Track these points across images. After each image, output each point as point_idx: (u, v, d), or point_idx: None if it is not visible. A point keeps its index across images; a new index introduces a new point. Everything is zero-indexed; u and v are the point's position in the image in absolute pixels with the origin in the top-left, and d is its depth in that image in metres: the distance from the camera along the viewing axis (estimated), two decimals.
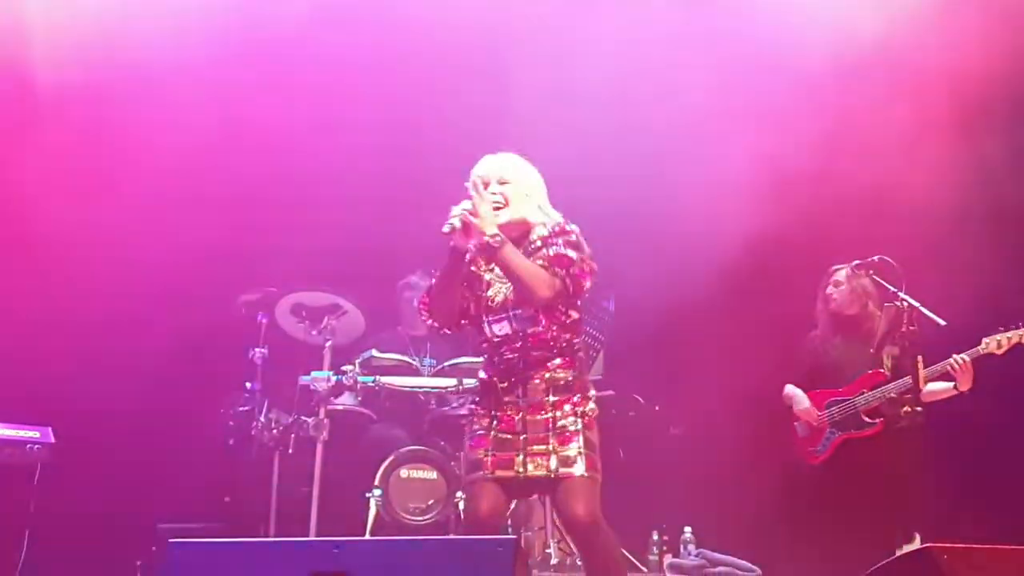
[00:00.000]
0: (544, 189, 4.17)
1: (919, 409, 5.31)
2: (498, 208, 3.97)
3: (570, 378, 4.02)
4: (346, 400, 6.18)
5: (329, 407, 5.89)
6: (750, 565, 6.01)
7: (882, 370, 5.75)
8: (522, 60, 6.45)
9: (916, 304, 5.35)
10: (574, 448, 3.92)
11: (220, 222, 6.51)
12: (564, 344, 4.04)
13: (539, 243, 4.03)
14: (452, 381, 5.93)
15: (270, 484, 5.98)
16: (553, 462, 3.91)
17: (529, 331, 4.01)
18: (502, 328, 4.04)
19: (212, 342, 6.53)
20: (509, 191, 4.03)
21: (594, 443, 3.98)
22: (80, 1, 6.20)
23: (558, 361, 4.02)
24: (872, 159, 6.50)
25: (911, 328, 5.31)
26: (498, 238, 3.86)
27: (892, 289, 5.48)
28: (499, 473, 3.95)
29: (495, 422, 4.01)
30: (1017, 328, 5.48)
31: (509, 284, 4.01)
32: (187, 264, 6.60)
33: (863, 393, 5.75)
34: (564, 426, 3.95)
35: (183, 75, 6.39)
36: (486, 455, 3.97)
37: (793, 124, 6.52)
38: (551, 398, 3.98)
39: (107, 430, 6.27)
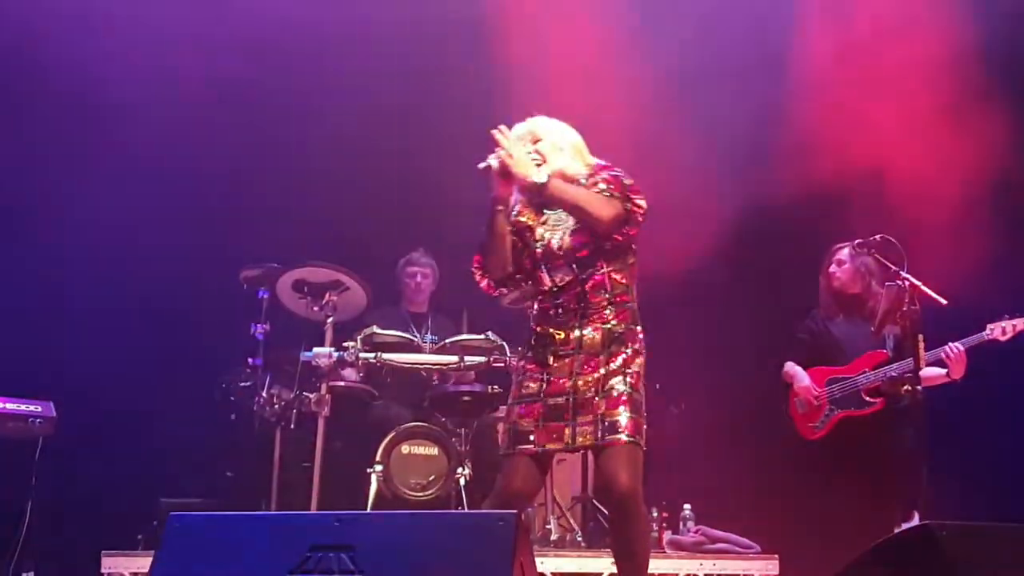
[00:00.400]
0: (579, 140, 4.11)
1: (919, 388, 5.32)
2: (536, 166, 3.93)
3: (622, 329, 3.94)
4: (348, 376, 6.18)
5: (331, 383, 5.90)
6: (749, 542, 6.03)
7: (884, 350, 5.77)
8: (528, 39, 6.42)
9: (917, 283, 5.34)
10: (622, 413, 3.82)
11: (222, 197, 6.51)
12: (621, 291, 3.97)
13: (585, 180, 3.98)
14: (454, 358, 5.93)
15: (272, 460, 5.98)
16: (600, 429, 3.82)
17: (588, 275, 3.94)
18: (562, 275, 3.97)
19: (214, 318, 6.53)
20: (543, 147, 4.00)
21: (639, 403, 3.89)
22: None
23: (613, 311, 3.95)
24: (872, 138, 6.49)
25: (912, 307, 5.31)
26: (542, 176, 3.86)
27: (894, 268, 5.48)
28: (549, 447, 3.87)
29: (545, 384, 3.92)
30: (1023, 315, 5.49)
31: (563, 231, 3.97)
32: (189, 239, 6.62)
33: (864, 372, 5.76)
34: (612, 386, 3.85)
35: (183, 47, 6.37)
36: (535, 427, 3.88)
37: (792, 103, 6.53)
38: (606, 351, 3.90)
39: (109, 404, 6.29)
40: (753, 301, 6.91)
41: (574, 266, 3.96)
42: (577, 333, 3.93)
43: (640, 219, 3.95)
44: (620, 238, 3.96)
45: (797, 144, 6.65)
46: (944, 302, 5.32)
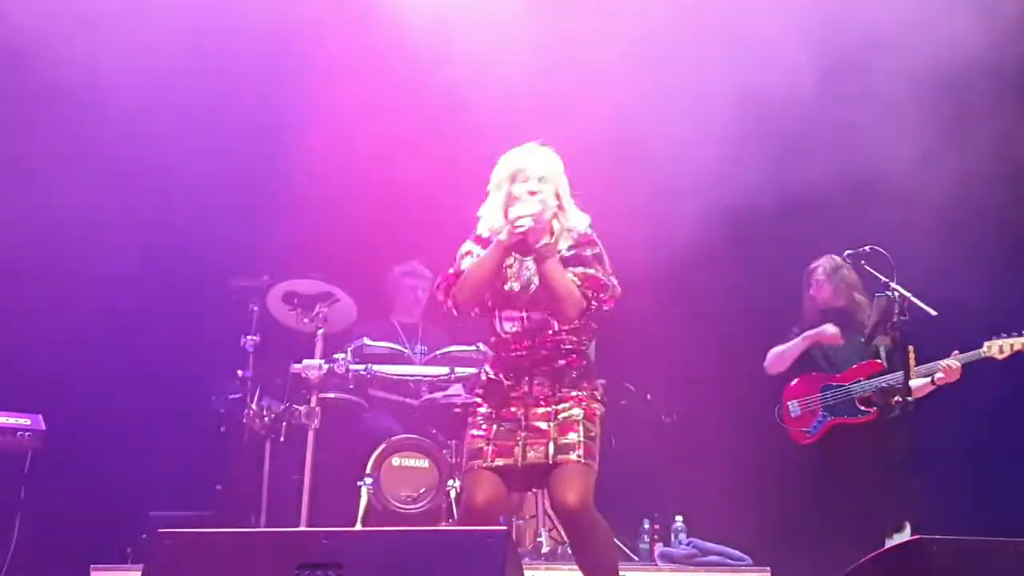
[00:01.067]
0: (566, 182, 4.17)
1: (910, 399, 5.32)
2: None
3: (575, 373, 4.03)
4: (338, 388, 6.17)
5: (321, 395, 5.88)
6: (740, 554, 6.03)
7: (878, 360, 5.77)
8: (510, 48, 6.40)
9: (907, 294, 5.35)
10: (573, 436, 3.91)
11: (212, 209, 6.48)
12: (571, 345, 4.05)
13: (570, 252, 4.05)
14: (444, 369, 5.92)
15: (261, 472, 5.97)
16: (551, 448, 3.90)
17: (540, 332, 4.02)
18: (513, 326, 4.04)
19: (204, 329, 6.51)
20: (547, 191, 4.04)
21: (594, 434, 3.97)
22: None
23: (564, 360, 4.04)
24: (858, 143, 6.50)
25: (902, 318, 5.31)
26: (550, 246, 3.97)
27: (883, 279, 5.48)
28: (498, 462, 3.92)
29: (495, 414, 4.01)
30: (1020, 335, 5.50)
31: (528, 280, 4.04)
32: (179, 251, 6.59)
33: (859, 380, 5.77)
34: (567, 417, 3.95)
35: (171, 56, 6.35)
36: (487, 445, 3.95)
37: (779, 109, 6.53)
38: (557, 394, 4.00)
39: (98, 417, 6.25)
40: (746, 311, 6.90)
41: (525, 322, 4.04)
42: (526, 378, 4.02)
43: (601, 314, 4.06)
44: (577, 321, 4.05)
45: (783, 153, 6.67)
46: (934, 313, 5.33)
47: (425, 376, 6.02)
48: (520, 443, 3.93)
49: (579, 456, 3.88)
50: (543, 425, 3.95)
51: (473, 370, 5.91)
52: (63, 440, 5.68)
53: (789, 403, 5.97)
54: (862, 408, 5.75)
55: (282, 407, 5.93)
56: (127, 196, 6.41)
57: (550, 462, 3.89)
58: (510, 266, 4.08)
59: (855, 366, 5.81)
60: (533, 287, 4.03)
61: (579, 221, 4.11)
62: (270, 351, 6.15)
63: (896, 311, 5.34)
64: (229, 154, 6.48)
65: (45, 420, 5.54)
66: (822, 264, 5.98)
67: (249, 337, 6.08)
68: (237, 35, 6.33)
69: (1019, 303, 6.16)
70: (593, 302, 3.96)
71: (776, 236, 6.80)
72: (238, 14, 6.27)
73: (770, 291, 6.65)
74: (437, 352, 6.00)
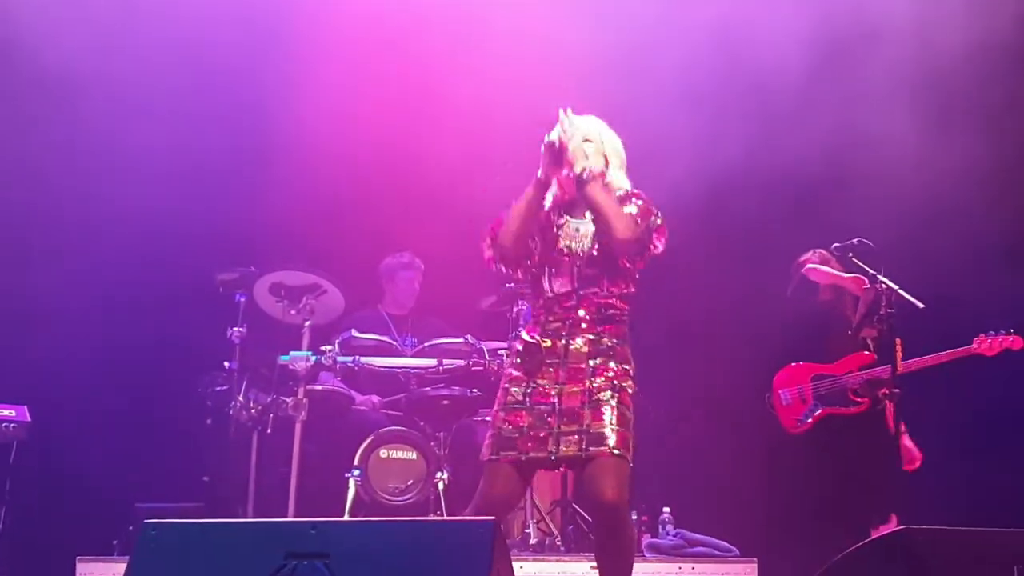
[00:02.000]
0: (623, 155, 4.12)
1: (897, 391, 5.34)
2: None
3: (611, 343, 3.92)
4: (325, 380, 6.15)
5: (308, 387, 5.86)
6: (728, 545, 6.02)
7: (867, 351, 5.77)
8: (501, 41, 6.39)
9: (895, 287, 5.36)
10: (607, 424, 3.78)
11: (198, 200, 6.47)
12: (614, 312, 3.96)
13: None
14: (432, 361, 5.91)
15: (248, 464, 5.95)
16: (584, 440, 3.77)
17: (587, 292, 3.93)
18: (563, 284, 3.96)
19: (190, 321, 6.49)
20: (594, 149, 4.01)
21: (628, 419, 3.84)
22: None
23: (603, 326, 3.93)
24: (854, 141, 6.52)
25: (889, 311, 5.33)
26: (589, 171, 3.88)
27: (871, 272, 5.49)
28: (532, 455, 3.81)
29: (530, 392, 3.87)
30: (1009, 333, 5.52)
31: (579, 242, 3.96)
32: (165, 242, 6.57)
33: (850, 372, 5.75)
34: (600, 399, 3.82)
35: (156, 47, 6.33)
36: (520, 433, 3.82)
37: (770, 110, 6.54)
38: (592, 362, 3.88)
39: (84, 409, 6.24)
40: (735, 302, 6.91)
41: (575, 280, 3.95)
42: (563, 343, 3.91)
43: (651, 255, 3.97)
44: (627, 263, 3.96)
45: (775, 151, 6.68)
46: (921, 306, 5.34)
47: (413, 368, 6.01)
48: (554, 433, 3.81)
49: (613, 446, 3.75)
50: (577, 405, 3.82)
51: (461, 362, 5.91)
52: (48, 431, 5.68)
53: (780, 391, 5.94)
54: (854, 399, 5.75)
55: (269, 399, 5.92)
56: (113, 187, 6.39)
57: (583, 455, 3.77)
58: (561, 226, 4.00)
59: (846, 357, 5.81)
60: (585, 248, 3.95)
61: (624, 182, 4.06)
62: (257, 343, 6.13)
63: (883, 304, 5.36)
64: (215, 143, 6.47)
65: (30, 411, 5.52)
66: (810, 257, 5.98)
67: (236, 329, 6.06)
68: (223, 26, 6.32)
69: (1007, 295, 6.19)
70: (648, 231, 3.90)
71: (759, 228, 6.81)
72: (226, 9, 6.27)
73: (753, 283, 6.65)
74: (426, 344, 5.99)
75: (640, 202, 3.98)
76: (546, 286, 3.97)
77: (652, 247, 3.94)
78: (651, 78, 6.30)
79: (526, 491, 4.08)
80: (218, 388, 6.15)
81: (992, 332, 5.56)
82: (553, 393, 3.86)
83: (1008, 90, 6.46)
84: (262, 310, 6.16)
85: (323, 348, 5.88)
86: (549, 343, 3.92)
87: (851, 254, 5.64)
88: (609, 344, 3.92)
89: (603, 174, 3.97)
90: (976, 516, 5.55)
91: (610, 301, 3.95)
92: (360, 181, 6.81)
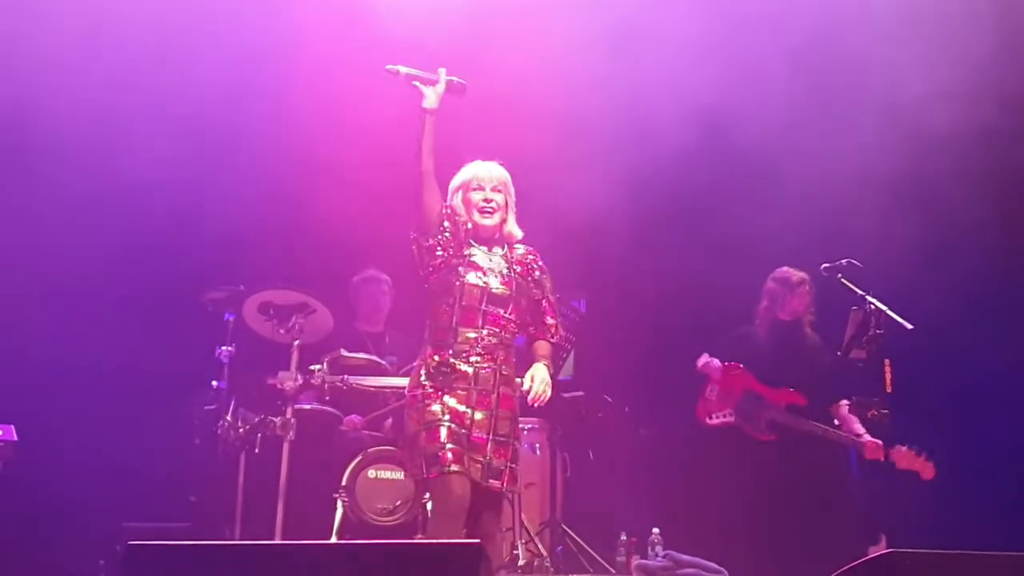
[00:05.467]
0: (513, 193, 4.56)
1: (886, 412, 5.35)
2: (492, 212, 4.41)
3: (508, 372, 4.39)
4: (313, 400, 6.13)
5: (296, 406, 5.84)
6: (717, 567, 5.99)
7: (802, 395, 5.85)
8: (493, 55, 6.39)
9: (884, 308, 5.37)
10: (509, 464, 4.32)
11: (187, 219, 6.46)
12: (510, 339, 4.42)
13: (530, 262, 4.50)
14: None
15: (236, 484, 5.92)
16: (487, 472, 4.25)
17: (493, 325, 4.38)
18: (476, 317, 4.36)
19: (178, 340, 6.48)
20: (499, 199, 4.44)
21: (518, 455, 4.45)
22: None
23: (503, 354, 4.37)
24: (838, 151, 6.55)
25: (878, 332, 5.34)
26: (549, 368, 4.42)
27: (859, 292, 5.51)
28: (453, 468, 4.18)
29: (445, 409, 4.25)
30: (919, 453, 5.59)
31: (495, 277, 4.37)
32: (153, 261, 6.56)
33: (777, 404, 5.89)
34: (504, 435, 4.32)
35: (151, 60, 6.33)
36: (442, 449, 4.19)
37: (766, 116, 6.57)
38: (496, 390, 4.32)
39: (71, 428, 6.21)
40: (720, 321, 6.91)
41: (483, 313, 4.34)
42: (472, 368, 4.29)
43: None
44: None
45: (766, 169, 6.71)
46: (910, 327, 5.35)
47: (400, 387, 5.98)
48: (467, 452, 4.28)
49: (508, 487, 4.39)
50: (483, 435, 4.30)
51: None
52: (35, 451, 5.63)
53: (711, 384, 6.10)
54: (765, 429, 5.84)
55: (257, 419, 5.89)
56: (101, 205, 6.38)
57: (483, 482, 4.27)
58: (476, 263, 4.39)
59: (784, 389, 5.86)
60: (496, 283, 4.38)
61: (517, 232, 4.52)
62: (245, 362, 6.11)
63: (872, 324, 5.37)
64: (204, 162, 6.46)
65: (16, 431, 5.49)
66: (808, 278, 6.00)
67: (224, 348, 6.05)
68: (211, 42, 6.32)
69: (994, 317, 6.21)
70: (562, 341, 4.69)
71: (748, 247, 6.82)
72: (217, 21, 6.27)
73: (747, 304, 6.65)
74: (412, 365, 5.96)
75: (552, 297, 4.55)
76: (455, 316, 4.35)
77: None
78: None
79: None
80: (206, 407, 6.14)
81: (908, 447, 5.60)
82: (466, 417, 4.30)
83: None
84: (251, 329, 6.14)
85: (311, 368, 5.85)
86: (461, 366, 4.34)
87: (840, 275, 5.66)
88: (506, 374, 4.40)
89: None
90: (967, 536, 5.59)
91: (511, 331, 4.42)
92: (350, 200, 6.79)
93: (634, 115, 6.50)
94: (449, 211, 4.38)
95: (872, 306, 5.41)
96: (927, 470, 5.61)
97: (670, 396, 7.15)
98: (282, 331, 5.95)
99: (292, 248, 6.74)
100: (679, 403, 7.11)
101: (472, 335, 4.30)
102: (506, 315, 4.35)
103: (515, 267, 4.43)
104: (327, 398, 6.10)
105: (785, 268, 6.14)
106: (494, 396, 4.30)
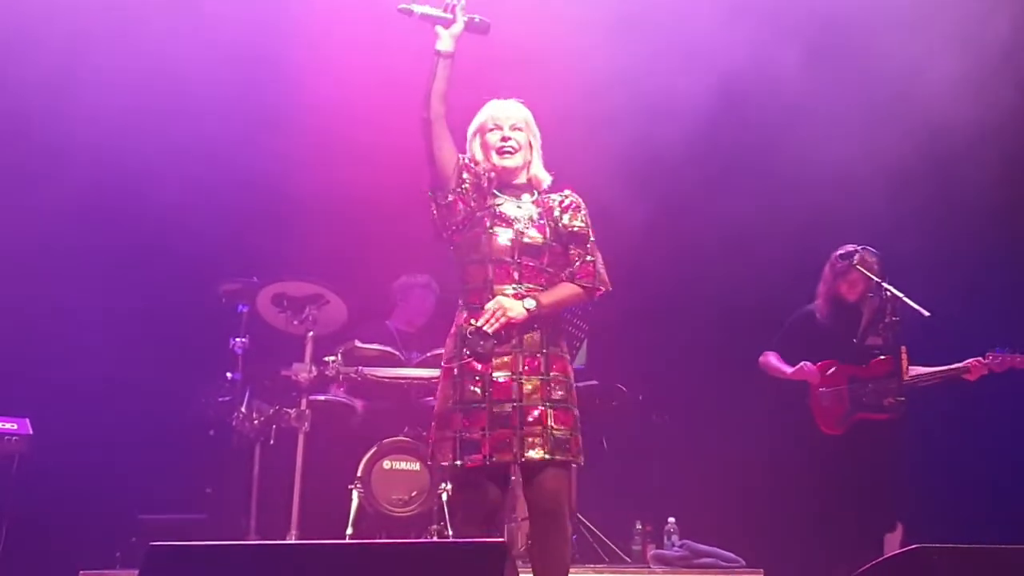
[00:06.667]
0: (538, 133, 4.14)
1: (902, 399, 5.32)
2: (512, 152, 3.98)
3: (553, 331, 3.96)
4: (328, 391, 6.12)
5: (311, 398, 5.83)
6: (734, 556, 6.00)
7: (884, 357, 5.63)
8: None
9: (900, 295, 5.33)
10: (572, 431, 3.85)
11: (201, 210, 6.43)
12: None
13: (556, 205, 4.02)
14: (436, 372, 5.85)
15: (251, 475, 5.91)
16: (550, 444, 3.77)
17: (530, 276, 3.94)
18: (510, 270, 3.93)
19: (193, 332, 6.48)
20: (520, 138, 4.01)
21: (578, 418, 3.92)
22: None
23: None
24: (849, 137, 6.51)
25: (894, 319, 5.30)
26: (531, 306, 3.85)
27: (876, 279, 5.46)
28: (497, 458, 3.76)
29: (489, 388, 3.83)
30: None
31: (522, 226, 3.94)
32: (168, 253, 6.55)
33: (880, 377, 5.58)
34: (559, 399, 3.86)
35: (158, 55, 6.30)
36: (483, 436, 3.77)
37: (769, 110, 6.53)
38: (544, 350, 3.89)
39: (86, 421, 6.20)
40: (738, 310, 6.88)
41: (519, 267, 3.92)
42: (515, 331, 3.85)
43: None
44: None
45: (775, 155, 6.67)
46: (927, 314, 5.30)
47: (416, 378, 5.97)
48: (518, 432, 3.81)
49: (574, 456, 3.86)
50: (537, 403, 3.85)
51: None
52: (50, 444, 5.62)
53: (819, 391, 5.72)
54: (886, 405, 5.62)
55: (272, 410, 5.88)
56: (115, 198, 6.37)
57: (548, 457, 3.79)
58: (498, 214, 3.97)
59: (877, 360, 5.62)
60: (525, 229, 3.95)
61: (545, 176, 4.09)
62: (260, 353, 6.10)
63: (888, 312, 5.33)
64: (218, 153, 6.43)
65: (32, 424, 5.49)
66: (861, 258, 5.67)
67: (238, 339, 6.03)
68: (227, 32, 6.29)
69: (1013, 304, 6.17)
70: (594, 289, 3.98)
71: (767, 235, 6.78)
72: (232, 18, 6.24)
73: (759, 290, 6.63)
74: (428, 354, 5.95)
75: (589, 244, 4.02)
76: (490, 273, 3.93)
77: (599, 293, 4.02)
78: None
79: (506, 493, 3.96)
80: (221, 399, 6.13)
81: (1000, 349, 5.51)
82: (513, 388, 3.84)
83: None
84: (265, 321, 6.13)
85: (326, 359, 5.84)
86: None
87: (855, 262, 5.60)
88: (551, 332, 3.96)
89: (535, 309, 3.88)
90: (981, 525, 5.57)
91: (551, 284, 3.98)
92: (366, 192, 6.76)
93: (645, 97, 6.43)
94: (467, 161, 3.98)
95: (888, 293, 5.35)
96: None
97: (684, 383, 7.15)
98: (296, 322, 5.94)
99: (306, 239, 6.71)
100: (693, 391, 7.13)
101: (510, 292, 3.87)
102: (542, 266, 3.93)
103: (550, 213, 4.00)
104: (342, 388, 6.10)
105: (843, 249, 5.91)
106: (542, 358, 3.86)
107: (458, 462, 3.76)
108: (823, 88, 6.47)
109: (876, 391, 5.57)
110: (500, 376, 3.81)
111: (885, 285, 5.39)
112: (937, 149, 6.35)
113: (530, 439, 3.74)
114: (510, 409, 3.78)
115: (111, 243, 6.44)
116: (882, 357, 5.58)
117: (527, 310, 3.83)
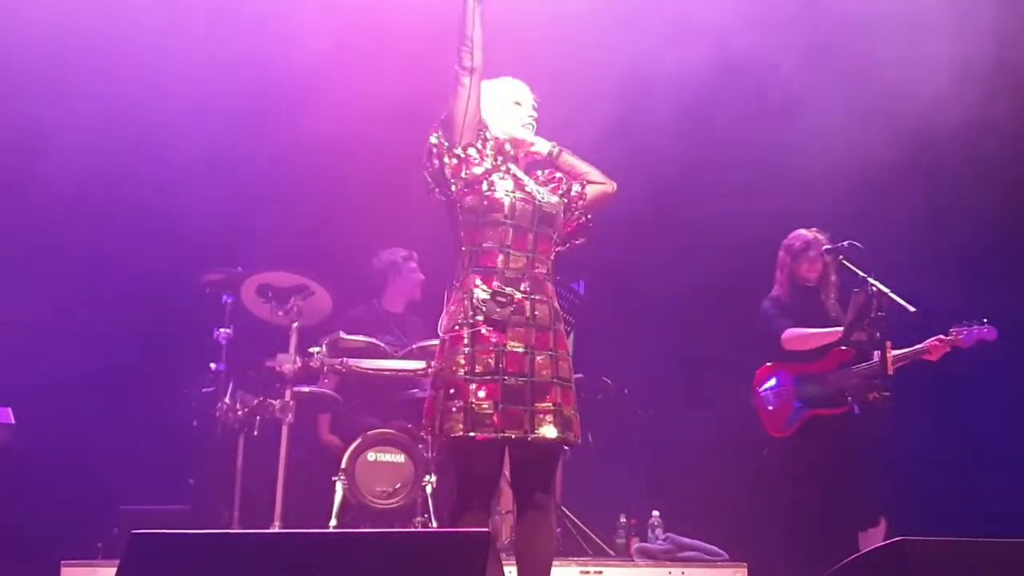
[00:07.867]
0: None
1: (887, 394, 5.31)
2: (534, 129, 4.05)
3: (557, 307, 3.85)
4: (312, 382, 6.10)
5: (295, 389, 5.81)
6: (717, 549, 6.01)
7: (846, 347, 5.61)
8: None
9: (885, 290, 5.33)
10: (574, 411, 3.77)
11: (184, 200, 6.41)
12: (552, 273, 3.90)
13: (559, 180, 4.07)
14: (421, 364, 5.85)
15: (235, 466, 5.89)
16: (560, 425, 3.68)
17: (542, 249, 3.84)
18: (524, 240, 3.80)
19: (176, 322, 6.45)
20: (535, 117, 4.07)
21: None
22: None
23: (551, 287, 3.86)
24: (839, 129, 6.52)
25: (880, 314, 5.30)
26: (554, 150, 4.04)
27: (861, 274, 5.46)
28: (508, 433, 3.62)
29: (503, 359, 3.67)
30: (982, 323, 5.48)
31: (540, 199, 3.85)
32: (151, 242, 6.51)
33: (833, 370, 5.66)
34: (565, 377, 3.78)
35: (149, 49, 6.28)
36: (495, 408, 3.61)
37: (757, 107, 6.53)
38: (552, 327, 3.78)
39: (69, 411, 6.18)
40: (720, 306, 6.90)
41: (535, 235, 3.81)
42: (528, 300, 3.74)
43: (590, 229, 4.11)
44: (580, 239, 4.09)
45: (760, 146, 6.68)
46: (913, 309, 5.31)
47: (402, 370, 5.95)
48: (528, 409, 3.66)
49: (575, 437, 3.78)
50: (548, 379, 3.73)
51: None
52: (32, 434, 5.59)
53: (763, 394, 5.85)
54: (838, 399, 5.64)
55: (256, 401, 5.86)
56: (97, 187, 6.33)
57: (559, 438, 3.68)
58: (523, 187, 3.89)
59: (829, 354, 5.66)
60: (542, 202, 3.86)
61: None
62: (244, 344, 6.08)
63: (874, 307, 5.33)
64: (203, 144, 6.40)
65: (14, 414, 5.46)
66: (813, 240, 5.75)
67: (222, 330, 6.01)
68: (203, 28, 6.27)
69: (999, 298, 6.18)
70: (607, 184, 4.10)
71: (752, 229, 6.78)
72: (209, 14, 6.22)
73: (744, 283, 6.63)
74: (414, 346, 5.93)
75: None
76: (508, 238, 3.79)
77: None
78: None
79: (502, 466, 3.86)
80: (204, 390, 6.11)
81: (966, 323, 5.50)
82: (526, 362, 3.70)
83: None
84: (249, 311, 6.10)
85: (311, 350, 5.82)
86: (518, 295, 3.76)
87: (841, 256, 5.61)
88: (556, 309, 3.86)
89: (557, 153, 4.07)
90: (964, 520, 5.58)
91: (554, 260, 3.93)
92: (349, 180, 6.75)
93: (634, 93, 6.43)
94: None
95: (874, 288, 5.35)
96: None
97: (670, 377, 7.16)
98: (280, 313, 5.91)
99: (290, 229, 6.68)
100: (678, 385, 7.14)
101: (523, 261, 3.75)
102: (553, 237, 3.86)
103: (559, 184, 4.02)
104: (327, 380, 6.09)
105: (795, 233, 5.92)
106: (551, 334, 3.75)
107: (471, 433, 3.57)
108: (818, 81, 6.47)
109: (860, 386, 5.55)
110: (516, 347, 3.67)
111: (871, 280, 5.38)
112: (925, 148, 6.37)
113: (540, 416, 3.63)
114: (523, 383, 3.65)
115: (93, 233, 6.40)
116: (843, 348, 5.55)
117: (548, 152, 4.03)
